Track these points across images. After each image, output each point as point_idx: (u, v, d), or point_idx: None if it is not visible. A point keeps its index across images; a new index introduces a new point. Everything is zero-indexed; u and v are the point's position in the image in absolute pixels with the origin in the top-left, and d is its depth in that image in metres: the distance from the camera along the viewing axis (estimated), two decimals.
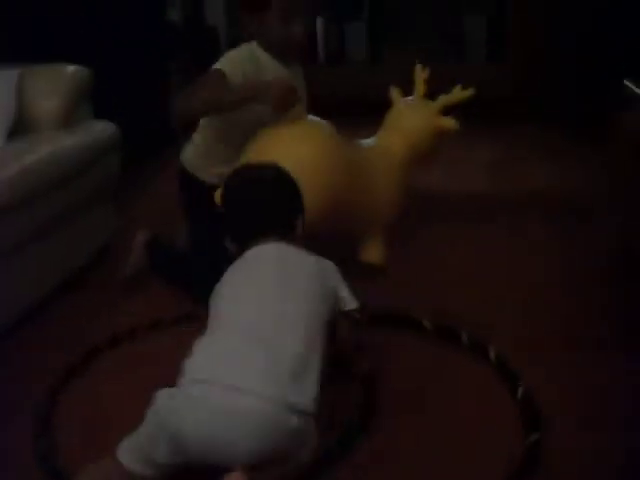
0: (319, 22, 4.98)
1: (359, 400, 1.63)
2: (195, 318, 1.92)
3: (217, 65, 2.15)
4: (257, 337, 1.39)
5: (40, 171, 2.14)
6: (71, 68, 2.53)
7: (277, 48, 2.21)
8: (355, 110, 3.75)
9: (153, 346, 1.98)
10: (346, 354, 1.68)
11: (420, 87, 2.43)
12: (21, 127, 2.36)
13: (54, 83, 2.48)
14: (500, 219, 2.82)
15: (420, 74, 2.45)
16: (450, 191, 3.16)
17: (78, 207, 2.38)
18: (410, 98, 2.44)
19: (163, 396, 1.36)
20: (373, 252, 2.33)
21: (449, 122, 2.34)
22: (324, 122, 2.18)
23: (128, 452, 1.36)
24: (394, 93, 2.47)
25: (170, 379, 1.61)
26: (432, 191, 3.07)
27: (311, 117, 2.22)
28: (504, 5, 4.60)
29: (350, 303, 1.64)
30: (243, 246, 1.64)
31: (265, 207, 1.67)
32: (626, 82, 2.19)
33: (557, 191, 3.13)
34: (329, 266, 1.65)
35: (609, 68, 3.43)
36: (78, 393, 1.77)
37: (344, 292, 1.64)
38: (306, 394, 1.34)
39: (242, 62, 2.16)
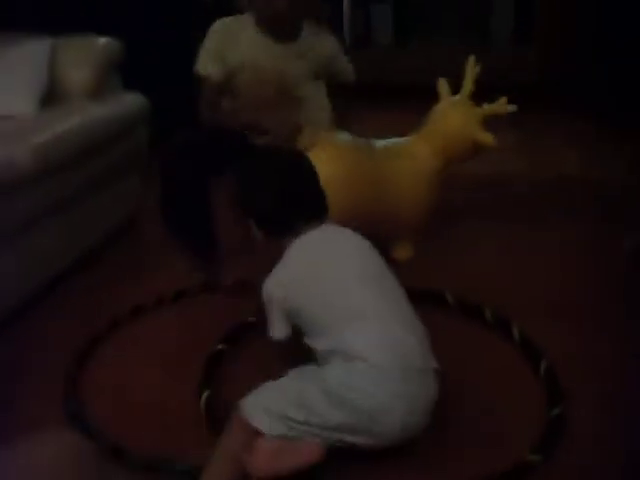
0: (345, 4, 4.96)
1: None
2: (216, 289, 1.95)
3: (198, 62, 2.23)
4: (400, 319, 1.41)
5: (71, 140, 2.18)
6: (102, 40, 2.56)
7: (264, 23, 2.15)
8: (381, 94, 3.75)
9: (175, 315, 2.01)
10: None
11: (469, 85, 2.23)
12: (53, 96, 2.39)
13: (85, 54, 2.51)
14: (526, 207, 2.80)
15: (471, 69, 2.23)
16: (476, 174, 3.14)
17: (106, 177, 2.41)
18: (457, 97, 2.25)
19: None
20: (403, 253, 2.28)
21: (488, 137, 2.16)
22: (344, 135, 2.12)
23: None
24: (442, 86, 2.27)
25: (188, 346, 1.66)
26: (457, 173, 3.07)
27: (330, 132, 2.13)
28: None
29: None
30: (285, 234, 1.56)
31: (307, 194, 1.59)
32: None
33: (584, 180, 3.08)
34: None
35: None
36: (103, 359, 1.81)
37: None
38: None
39: (217, 42, 2.21)
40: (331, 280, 1.46)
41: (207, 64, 2.19)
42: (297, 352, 1.51)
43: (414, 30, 5.02)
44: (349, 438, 1.32)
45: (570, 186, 3.02)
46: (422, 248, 2.33)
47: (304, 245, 1.53)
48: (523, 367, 1.67)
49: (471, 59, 2.25)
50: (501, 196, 2.92)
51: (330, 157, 1.94)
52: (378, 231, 1.92)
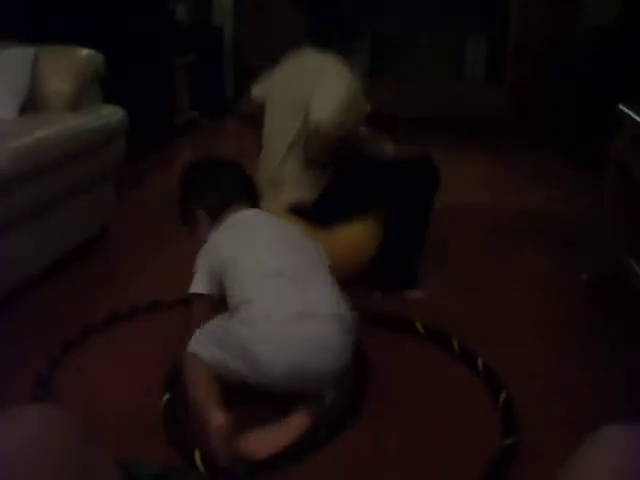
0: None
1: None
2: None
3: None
4: (301, 276, 1.59)
5: (48, 146, 2.18)
6: (84, 51, 2.58)
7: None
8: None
9: (148, 325, 2.02)
10: None
11: None
12: (32, 103, 2.40)
13: (67, 64, 2.53)
14: (492, 238, 2.87)
15: None
16: (447, 204, 3.22)
17: (81, 187, 2.42)
18: None
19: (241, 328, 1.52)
20: None
21: None
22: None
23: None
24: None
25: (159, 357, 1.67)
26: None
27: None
28: (506, 27, 4.69)
29: None
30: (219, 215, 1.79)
31: (241, 182, 1.88)
32: (620, 107, 2.22)
33: (548, 213, 3.19)
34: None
35: (607, 92, 3.51)
36: (75, 363, 1.81)
37: None
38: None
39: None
40: (248, 244, 1.68)
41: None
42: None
43: (389, 66, 5.09)
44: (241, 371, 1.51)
45: (535, 218, 3.12)
46: None
47: (236, 215, 1.77)
48: (484, 397, 1.71)
49: None
50: (468, 227, 2.99)
51: None
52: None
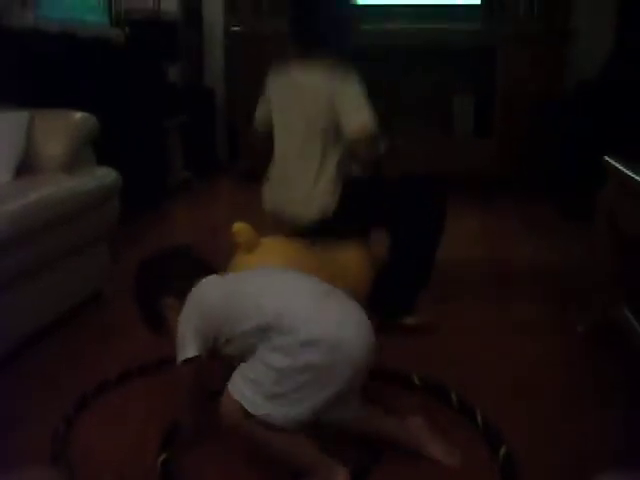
0: None
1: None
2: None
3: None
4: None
5: (42, 209, 2.20)
6: (78, 114, 2.61)
7: None
8: None
9: (145, 385, 2.03)
10: None
11: None
12: (27, 166, 2.43)
13: (61, 127, 2.56)
14: (486, 290, 2.88)
15: None
16: (439, 258, 3.24)
17: (75, 249, 2.43)
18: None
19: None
20: None
21: None
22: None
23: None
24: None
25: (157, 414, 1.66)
26: None
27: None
28: (492, 86, 4.78)
29: None
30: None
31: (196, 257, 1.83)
32: (606, 158, 2.26)
33: (542, 265, 3.19)
34: None
35: (593, 145, 3.57)
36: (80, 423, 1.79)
37: None
38: None
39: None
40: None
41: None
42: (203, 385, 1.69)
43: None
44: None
45: (527, 270, 3.13)
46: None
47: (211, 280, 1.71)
48: (483, 452, 1.69)
49: None
50: (459, 280, 2.99)
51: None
52: None
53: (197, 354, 1.60)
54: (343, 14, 2.46)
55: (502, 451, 1.65)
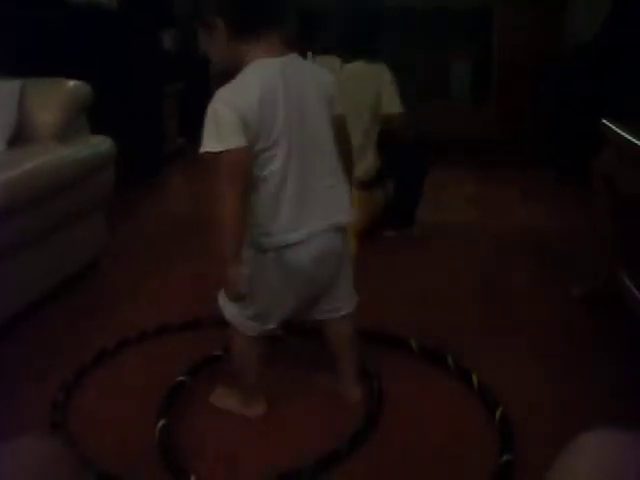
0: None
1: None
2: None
3: None
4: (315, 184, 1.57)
5: (37, 178, 2.19)
6: (71, 83, 2.58)
7: None
8: None
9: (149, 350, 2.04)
10: None
11: None
12: (20, 136, 2.41)
13: (54, 96, 2.53)
14: (485, 254, 2.88)
15: None
16: (436, 222, 3.25)
17: (71, 218, 2.42)
18: None
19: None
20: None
21: None
22: None
23: (259, 324, 1.63)
24: None
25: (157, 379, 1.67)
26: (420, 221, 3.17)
27: None
28: (489, 50, 4.74)
29: None
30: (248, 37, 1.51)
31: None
32: (604, 121, 2.24)
33: (539, 230, 3.18)
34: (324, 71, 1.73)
35: (591, 108, 3.54)
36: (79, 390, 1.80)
37: None
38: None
39: None
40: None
41: None
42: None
43: None
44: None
45: (523, 234, 3.12)
46: (383, 294, 2.39)
47: (260, 73, 1.49)
48: (480, 414, 1.71)
49: None
50: (456, 245, 3.00)
51: None
52: None
53: (245, 145, 1.44)
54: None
55: (498, 413, 1.66)
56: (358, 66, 2.91)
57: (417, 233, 3.09)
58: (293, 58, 1.55)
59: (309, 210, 1.54)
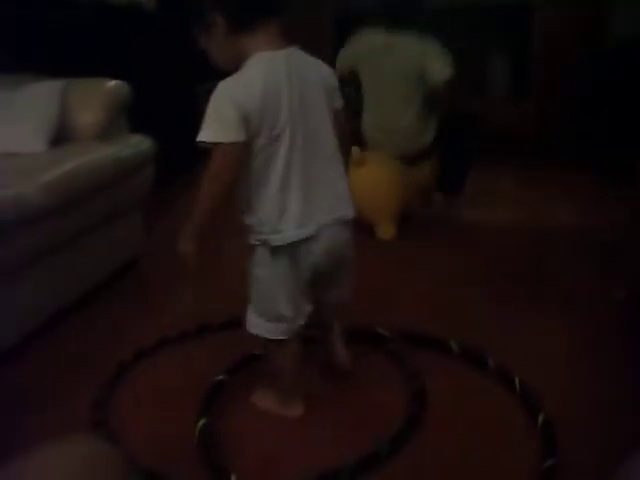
0: None
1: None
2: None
3: None
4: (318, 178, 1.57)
5: (78, 178, 2.21)
6: (111, 83, 2.61)
7: None
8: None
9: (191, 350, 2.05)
10: None
11: None
12: (62, 136, 2.43)
13: (95, 96, 2.56)
14: (525, 255, 2.84)
15: None
16: (477, 221, 3.22)
17: (111, 217, 2.44)
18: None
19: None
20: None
21: None
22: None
23: (268, 325, 1.62)
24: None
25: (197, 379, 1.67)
26: (455, 219, 3.14)
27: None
28: (529, 46, 4.67)
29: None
30: (247, 28, 1.51)
31: None
32: None
33: (581, 231, 3.13)
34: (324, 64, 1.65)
35: (635, 108, 3.48)
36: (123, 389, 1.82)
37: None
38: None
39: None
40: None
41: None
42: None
43: None
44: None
45: (565, 235, 3.08)
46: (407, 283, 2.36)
47: (263, 66, 1.50)
48: (522, 418, 1.68)
49: None
50: (501, 244, 2.97)
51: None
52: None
53: (242, 140, 1.46)
54: None
55: (541, 417, 1.64)
56: (404, 37, 3.07)
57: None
58: (294, 50, 1.55)
59: (315, 203, 1.55)
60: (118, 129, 2.59)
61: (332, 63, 2.83)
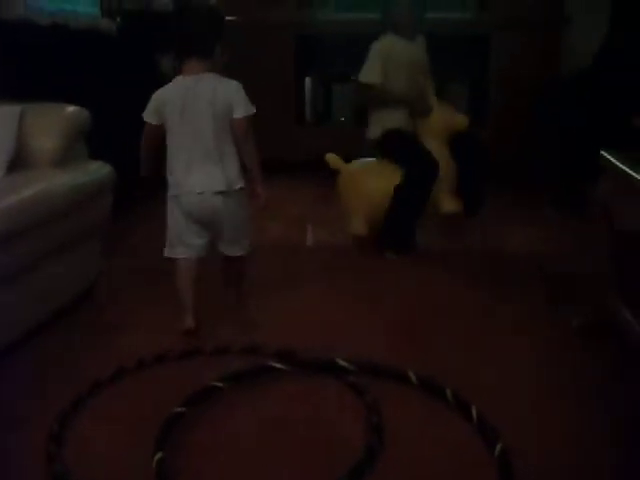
0: (307, 82, 5.10)
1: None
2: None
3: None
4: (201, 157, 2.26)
5: (35, 205, 2.19)
6: (70, 108, 2.59)
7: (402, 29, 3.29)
8: None
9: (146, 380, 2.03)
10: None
11: None
12: (19, 162, 2.40)
13: (53, 121, 2.53)
14: (482, 280, 2.88)
15: None
16: (431, 246, 3.25)
17: (68, 244, 2.41)
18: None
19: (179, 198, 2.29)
20: (448, 204, 3.23)
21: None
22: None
23: (170, 248, 2.34)
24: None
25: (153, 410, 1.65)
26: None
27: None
28: (486, 75, 4.78)
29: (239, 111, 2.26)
30: (180, 63, 2.33)
31: (188, 31, 2.31)
32: (602, 152, 2.25)
33: (536, 257, 3.17)
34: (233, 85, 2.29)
35: (588, 135, 3.55)
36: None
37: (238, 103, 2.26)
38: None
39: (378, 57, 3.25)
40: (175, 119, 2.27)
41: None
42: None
43: None
44: None
45: (520, 261, 3.12)
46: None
47: (174, 84, 2.30)
48: (479, 449, 1.69)
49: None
50: (452, 271, 3.00)
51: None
52: None
53: (154, 123, 2.28)
54: None
55: (498, 448, 1.64)
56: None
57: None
58: (203, 77, 2.26)
59: (194, 176, 2.25)
60: (76, 155, 2.57)
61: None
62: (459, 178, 3.25)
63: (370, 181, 3.23)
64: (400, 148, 3.21)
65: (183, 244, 2.31)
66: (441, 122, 3.24)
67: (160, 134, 2.28)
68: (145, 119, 2.28)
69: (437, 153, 3.15)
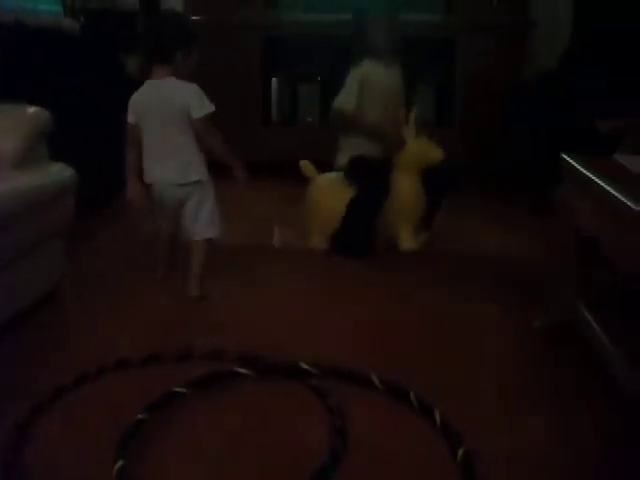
0: (273, 82, 5.09)
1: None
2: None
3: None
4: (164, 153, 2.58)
5: None
6: (31, 109, 2.54)
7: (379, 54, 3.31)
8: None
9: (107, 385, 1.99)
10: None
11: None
12: None
13: (13, 122, 2.48)
14: (448, 283, 2.89)
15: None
16: (397, 252, 3.26)
17: (29, 247, 2.37)
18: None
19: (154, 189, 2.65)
20: (407, 242, 3.24)
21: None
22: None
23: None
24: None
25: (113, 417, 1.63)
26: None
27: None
28: (453, 77, 4.80)
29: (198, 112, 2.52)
30: (147, 68, 2.61)
31: (153, 39, 2.60)
32: (563, 156, 2.27)
33: (503, 260, 3.20)
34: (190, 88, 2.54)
35: (552, 136, 3.59)
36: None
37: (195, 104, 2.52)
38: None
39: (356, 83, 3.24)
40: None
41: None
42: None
43: None
44: None
45: (487, 264, 3.14)
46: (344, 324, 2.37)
47: (144, 86, 2.61)
48: (442, 453, 1.69)
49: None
50: (419, 274, 3.01)
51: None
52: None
53: (132, 122, 2.62)
54: None
55: (461, 452, 1.65)
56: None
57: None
58: (167, 80, 2.55)
59: (162, 169, 2.58)
60: (37, 157, 2.52)
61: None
62: (426, 210, 3.26)
63: (335, 199, 3.22)
64: (362, 172, 3.21)
65: (162, 219, 2.73)
66: (415, 155, 3.22)
67: (139, 133, 2.58)
68: (128, 120, 2.61)
69: (408, 186, 3.18)
